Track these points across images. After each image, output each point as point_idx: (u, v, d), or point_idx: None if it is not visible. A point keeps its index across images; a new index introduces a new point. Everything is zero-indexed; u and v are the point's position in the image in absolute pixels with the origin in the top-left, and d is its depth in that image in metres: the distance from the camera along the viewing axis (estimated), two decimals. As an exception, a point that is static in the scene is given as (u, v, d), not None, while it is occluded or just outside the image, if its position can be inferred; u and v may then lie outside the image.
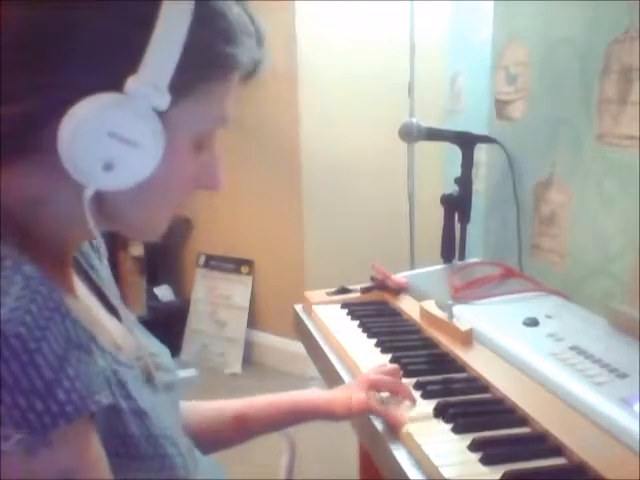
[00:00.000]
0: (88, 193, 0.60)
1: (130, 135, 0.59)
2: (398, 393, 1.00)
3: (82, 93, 0.58)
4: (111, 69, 0.59)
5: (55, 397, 0.52)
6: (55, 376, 0.52)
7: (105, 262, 0.71)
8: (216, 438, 0.91)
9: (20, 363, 0.51)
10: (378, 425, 0.97)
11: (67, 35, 0.59)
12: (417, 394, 1.03)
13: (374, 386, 1.00)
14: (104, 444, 0.59)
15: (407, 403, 0.99)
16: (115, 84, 0.59)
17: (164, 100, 0.60)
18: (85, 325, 0.60)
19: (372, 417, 0.98)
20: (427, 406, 0.99)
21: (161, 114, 0.61)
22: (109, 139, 0.59)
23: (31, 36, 0.59)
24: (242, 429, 0.97)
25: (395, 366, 1.09)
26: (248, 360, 3.27)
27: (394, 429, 0.93)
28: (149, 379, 0.74)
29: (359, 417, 0.99)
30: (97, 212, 0.63)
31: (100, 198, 0.63)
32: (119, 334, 0.74)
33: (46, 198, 0.64)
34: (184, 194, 0.70)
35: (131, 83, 0.59)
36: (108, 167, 0.59)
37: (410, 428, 0.92)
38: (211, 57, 0.63)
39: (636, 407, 0.89)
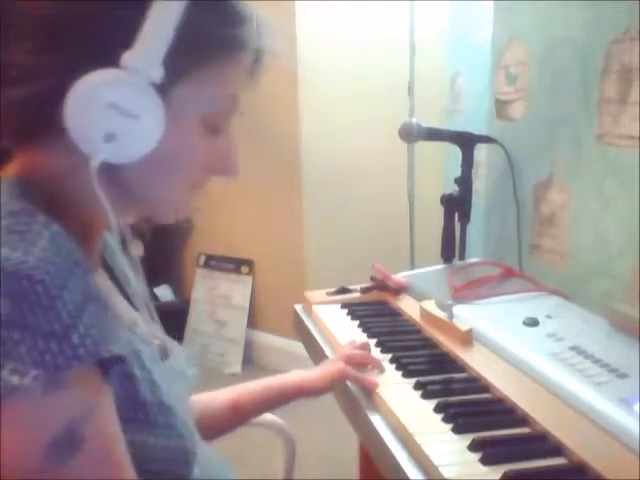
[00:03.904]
0: (94, 164, 0.63)
1: (128, 107, 0.62)
2: (369, 364, 1.13)
3: (85, 71, 0.61)
4: (111, 47, 0.62)
5: (70, 341, 0.56)
6: (72, 322, 0.56)
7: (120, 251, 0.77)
8: (212, 427, 0.93)
9: (42, 307, 0.55)
10: (378, 424, 0.97)
11: (72, 18, 0.62)
12: (417, 394, 1.03)
13: (349, 359, 1.12)
14: (117, 408, 0.62)
15: (377, 372, 1.12)
16: (114, 60, 0.62)
17: (158, 74, 0.63)
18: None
19: (372, 418, 0.99)
20: (427, 405, 0.99)
21: (164, 90, 0.64)
22: (109, 110, 0.62)
23: (42, 21, 0.62)
24: (236, 416, 1.04)
25: (365, 341, 1.22)
26: (248, 360, 3.26)
27: (368, 392, 1.06)
28: (163, 360, 0.78)
29: (341, 385, 1.10)
30: (114, 192, 0.66)
31: (115, 175, 0.65)
32: (138, 317, 0.78)
33: (67, 176, 0.67)
34: (198, 175, 0.72)
35: (126, 58, 0.62)
36: (109, 138, 0.62)
37: (411, 428, 0.92)
38: (212, 38, 0.66)
39: (636, 407, 0.89)
